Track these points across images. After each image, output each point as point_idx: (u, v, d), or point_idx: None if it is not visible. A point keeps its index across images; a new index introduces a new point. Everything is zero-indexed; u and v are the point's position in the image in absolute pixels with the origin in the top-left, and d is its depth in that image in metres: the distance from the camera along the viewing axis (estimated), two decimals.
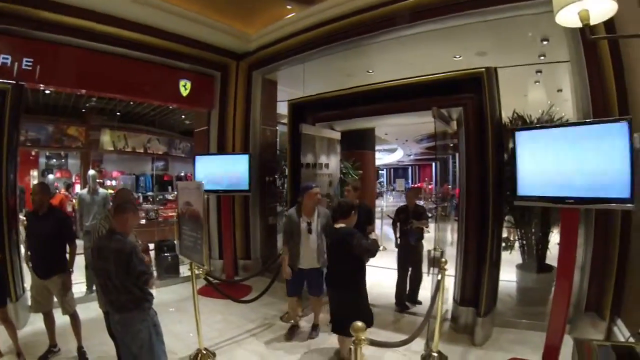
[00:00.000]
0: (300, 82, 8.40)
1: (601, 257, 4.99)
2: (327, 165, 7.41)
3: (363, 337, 2.70)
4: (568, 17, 2.66)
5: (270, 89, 9.27)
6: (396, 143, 28.02)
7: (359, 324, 2.68)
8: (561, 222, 4.41)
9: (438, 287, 4.60)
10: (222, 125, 8.89)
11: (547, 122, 5.93)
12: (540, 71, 8.85)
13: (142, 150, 18.34)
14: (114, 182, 18.26)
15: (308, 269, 5.37)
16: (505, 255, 6.51)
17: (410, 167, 47.85)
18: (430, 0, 5.97)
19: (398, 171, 48.68)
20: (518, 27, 6.35)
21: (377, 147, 31.41)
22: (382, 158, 37.26)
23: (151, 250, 8.22)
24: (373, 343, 2.98)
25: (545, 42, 7.18)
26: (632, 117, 3.80)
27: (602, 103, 4.77)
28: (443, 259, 4.76)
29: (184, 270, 8.41)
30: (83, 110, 15.65)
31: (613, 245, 4.78)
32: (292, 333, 5.65)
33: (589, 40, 2.60)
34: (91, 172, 8.29)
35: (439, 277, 4.68)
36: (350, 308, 4.38)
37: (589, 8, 2.49)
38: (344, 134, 11.44)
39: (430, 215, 12.85)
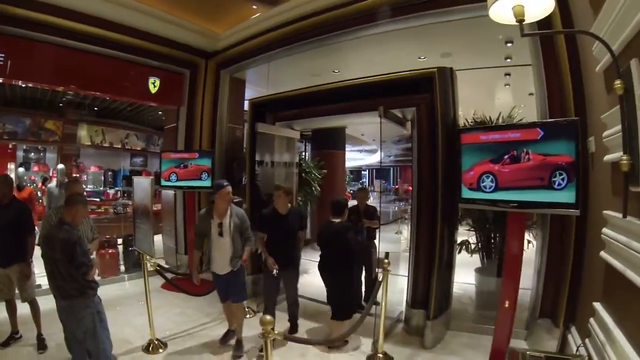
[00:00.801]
0: (266, 82, 8.47)
1: (556, 262, 4.92)
2: (287, 164, 7.52)
3: (272, 329, 2.73)
4: (502, 13, 2.61)
5: (238, 88, 9.30)
6: (374, 144, 27.95)
7: (268, 317, 2.75)
8: (507, 226, 4.42)
9: (379, 287, 4.68)
10: (190, 123, 8.93)
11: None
12: (509, 74, 8.85)
13: (119, 146, 18.29)
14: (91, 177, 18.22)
15: (223, 273, 4.94)
16: (468, 258, 6.69)
17: (392, 168, 47.79)
18: (394, 0, 6.00)
19: (380, 172, 48.58)
20: (483, 28, 6.09)
21: (356, 148, 31.43)
22: (364, 159, 37.32)
23: (119, 244, 8.44)
24: (286, 337, 3.07)
25: (509, 45, 7.19)
26: (579, 118, 3.87)
27: (559, 105, 4.76)
28: (386, 260, 4.78)
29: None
30: (60, 105, 15.54)
31: (568, 251, 4.70)
32: (226, 338, 5.34)
33: (522, 36, 2.56)
34: (60, 166, 8.36)
35: (380, 277, 4.74)
36: (343, 291, 5.18)
37: (524, 4, 2.45)
38: (314, 134, 11.60)
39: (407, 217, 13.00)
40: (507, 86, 9.80)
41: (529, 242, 5.80)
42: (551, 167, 3.78)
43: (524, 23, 2.55)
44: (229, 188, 4.90)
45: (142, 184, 5.45)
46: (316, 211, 11.08)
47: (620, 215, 2.70)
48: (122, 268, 8.31)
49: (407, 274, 5.86)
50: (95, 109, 16.24)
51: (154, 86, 8.45)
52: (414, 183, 5.83)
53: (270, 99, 7.23)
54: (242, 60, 8.40)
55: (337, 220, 5.18)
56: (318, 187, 9.23)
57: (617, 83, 2.48)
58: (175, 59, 8.55)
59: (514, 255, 4.22)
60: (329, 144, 11.95)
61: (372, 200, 30.26)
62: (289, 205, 5.62)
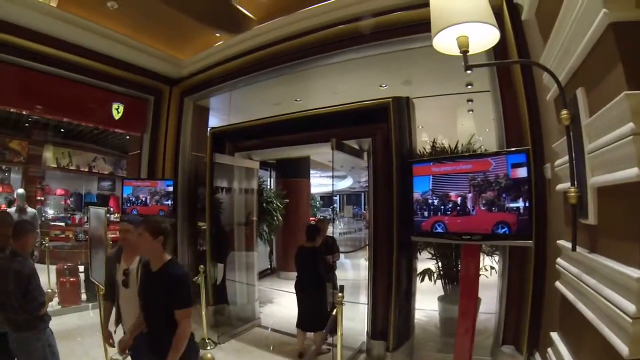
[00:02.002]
0: (229, 110, 8.45)
1: (517, 289, 4.90)
2: (247, 191, 7.49)
3: None
4: (447, 44, 2.57)
5: (202, 116, 9.23)
6: (342, 170, 27.99)
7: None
8: (461, 258, 4.42)
9: (334, 320, 4.62)
10: (153, 150, 8.77)
11: (467, 152, 5.95)
12: (471, 100, 8.93)
13: (86, 169, 17.96)
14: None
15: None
16: (432, 286, 6.69)
17: (363, 194, 47.88)
18: (355, 29, 6.04)
19: (351, 197, 48.73)
20: (443, 55, 6.39)
21: (327, 174, 31.29)
22: (335, 185, 37.17)
23: (80, 272, 8.14)
24: None
25: (469, 72, 7.19)
26: (530, 147, 3.95)
27: (516, 133, 4.80)
28: (340, 294, 4.68)
29: None
30: (26, 125, 15.20)
31: (527, 276, 4.67)
32: None
33: (465, 69, 2.52)
34: (20, 190, 8.13)
35: (334, 312, 4.69)
36: (320, 305, 5.67)
37: (469, 35, 2.40)
38: (278, 162, 11.56)
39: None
40: (471, 112, 9.87)
41: (491, 267, 5.99)
42: (493, 221, 3.88)
43: (468, 54, 2.51)
44: (127, 225, 3.76)
45: (97, 214, 5.34)
46: (281, 240, 11.05)
47: (567, 244, 2.72)
48: (84, 297, 8.03)
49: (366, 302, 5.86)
50: (62, 130, 15.92)
51: (118, 112, 8.32)
52: (369, 213, 5.89)
53: (230, 128, 7.22)
54: (206, 87, 8.34)
55: (309, 245, 5.83)
56: (280, 217, 9.17)
57: (564, 113, 2.47)
58: (139, 85, 8.45)
59: (469, 287, 4.22)
60: (293, 172, 11.89)
61: (341, 227, 30.12)
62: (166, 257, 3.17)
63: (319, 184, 17.72)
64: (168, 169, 8.70)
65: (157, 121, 8.82)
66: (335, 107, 6.00)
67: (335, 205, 46.23)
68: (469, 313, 4.18)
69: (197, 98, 8.82)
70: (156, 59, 8.29)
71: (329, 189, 39.15)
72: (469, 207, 4.16)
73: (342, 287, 4.98)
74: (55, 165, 16.66)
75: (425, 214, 4.51)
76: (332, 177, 6.75)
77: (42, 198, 16.10)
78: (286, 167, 11.84)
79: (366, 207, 42.77)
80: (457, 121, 10.56)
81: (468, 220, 4.14)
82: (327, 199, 44.77)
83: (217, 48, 7.89)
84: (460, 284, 4.35)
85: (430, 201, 4.49)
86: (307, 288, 5.83)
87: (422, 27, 5.37)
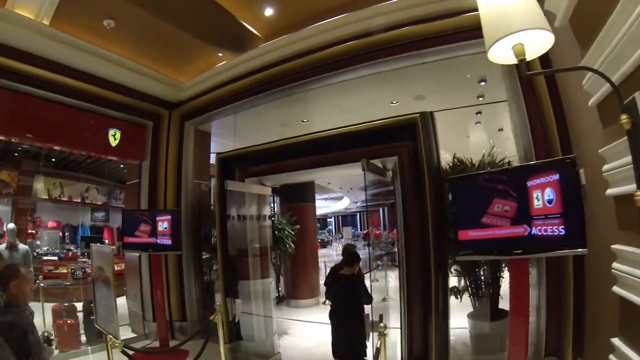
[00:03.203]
0: (234, 135, 8.04)
1: (556, 297, 4.70)
2: (260, 218, 7.04)
3: None
4: (501, 54, 2.47)
5: (204, 141, 8.79)
6: (340, 192, 27.76)
7: None
8: (510, 274, 4.16)
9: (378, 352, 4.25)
10: (153, 178, 8.26)
11: (489, 165, 5.74)
12: (480, 112, 8.68)
13: (79, 200, 17.35)
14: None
15: None
16: (455, 302, 6.27)
17: (358, 214, 47.79)
18: (365, 44, 5.80)
19: (346, 218, 48.55)
20: (455, 68, 6.22)
21: (322, 196, 31.33)
22: (330, 206, 37.16)
23: (79, 311, 7.56)
24: None
25: (483, 83, 7.02)
26: (575, 155, 3.73)
27: (543, 142, 4.64)
28: (381, 324, 4.36)
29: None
30: (16, 154, 14.67)
31: (567, 285, 4.50)
32: None
33: (524, 77, 2.39)
34: (10, 225, 7.63)
35: (379, 344, 4.29)
36: (358, 337, 5.20)
37: (524, 42, 2.30)
38: (283, 186, 11.15)
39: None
40: (478, 124, 9.60)
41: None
42: None
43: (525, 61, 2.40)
44: None
45: (102, 252, 4.82)
46: (289, 267, 10.46)
47: (634, 250, 2.63)
48: (83, 338, 7.42)
49: (399, 327, 5.57)
50: (53, 160, 15.39)
51: (115, 138, 7.82)
52: (400, 234, 5.58)
53: (239, 153, 6.79)
54: (208, 111, 7.93)
55: (349, 272, 5.33)
56: (292, 245, 8.70)
57: (624, 118, 2.34)
58: (137, 110, 7.99)
59: (520, 303, 3.92)
60: (299, 197, 11.41)
61: (339, 249, 29.71)
62: None
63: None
64: (170, 198, 8.21)
65: (156, 148, 8.34)
66: (357, 125, 5.69)
67: (330, 227, 46.23)
68: (521, 330, 3.89)
69: (198, 122, 8.40)
70: (155, 81, 7.84)
71: (323, 211, 39.15)
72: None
73: (381, 316, 5.00)
74: (47, 197, 16.06)
75: (472, 232, 4.15)
76: (366, 199, 6.34)
77: (34, 231, 15.43)
78: (291, 191, 11.35)
79: (364, 228, 42.86)
80: (465, 134, 10.26)
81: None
82: (322, 221, 44.72)
83: (219, 68, 7.49)
84: (511, 301, 4.00)
85: (475, 217, 4.12)
86: (347, 317, 5.32)
87: (435, 40, 5.39)
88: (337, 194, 29.29)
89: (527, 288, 4.04)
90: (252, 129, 8.38)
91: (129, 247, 7.60)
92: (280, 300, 11.12)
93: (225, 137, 8.77)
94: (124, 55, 7.15)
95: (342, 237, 37.32)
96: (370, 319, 4.99)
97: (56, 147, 8.62)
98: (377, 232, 32.55)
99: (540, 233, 3.59)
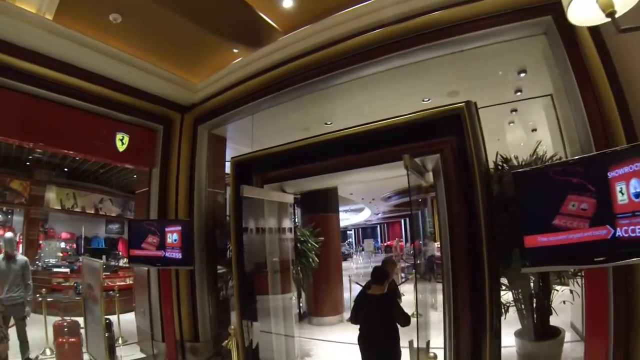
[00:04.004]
0: (251, 139, 7.40)
1: (624, 314, 3.90)
2: (284, 231, 6.34)
3: None
4: (583, 12, 2.27)
5: (218, 147, 8.14)
6: (362, 202, 27.13)
7: None
8: (586, 286, 3.86)
9: None
10: (164, 187, 7.62)
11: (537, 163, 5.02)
12: (515, 110, 8.02)
13: (92, 211, 16.95)
14: (62, 244, 16.51)
15: None
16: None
17: (378, 226, 47.31)
18: (395, 32, 5.23)
19: (366, 230, 48.19)
20: (492, 58, 5.73)
21: (342, 208, 30.79)
22: (349, 218, 36.89)
23: (82, 327, 6.93)
24: None
25: (522, 75, 6.37)
26: None
27: (602, 132, 4.09)
28: (431, 354, 3.69)
29: (122, 353, 7.33)
30: (27, 163, 14.31)
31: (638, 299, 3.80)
32: None
33: (619, 32, 2.18)
34: (8, 234, 7.14)
35: None
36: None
37: None
38: (304, 196, 10.45)
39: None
40: (512, 124, 8.90)
41: (571, 291, 5.35)
42: None
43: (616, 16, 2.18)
44: None
45: (91, 266, 4.18)
46: (312, 283, 9.61)
47: None
48: (86, 357, 6.76)
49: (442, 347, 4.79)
50: (66, 170, 15.04)
51: (122, 143, 7.22)
52: (444, 242, 4.88)
53: (257, 156, 6.09)
54: (222, 112, 7.29)
55: (378, 292, 4.68)
56: (316, 259, 7.94)
57: None
58: (146, 113, 7.38)
59: (598, 321, 3.44)
60: (322, 207, 10.61)
61: (361, 261, 29.16)
62: None
63: None
64: (182, 208, 7.55)
65: (167, 154, 7.71)
66: (389, 120, 4.97)
67: (350, 240, 45.80)
68: (600, 354, 3.38)
69: (212, 126, 7.78)
70: (165, 82, 7.23)
71: (343, 223, 38.52)
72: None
73: (428, 343, 4.48)
74: (59, 207, 15.74)
75: (541, 237, 3.48)
76: (410, 200, 5.12)
77: (69, 244, 15.09)
78: (313, 201, 10.58)
79: (385, 240, 42.18)
80: (498, 136, 9.52)
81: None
82: (342, 233, 44.11)
83: (234, 66, 6.89)
84: (587, 319, 3.64)
85: (546, 218, 3.47)
86: (378, 345, 4.60)
87: (473, 25, 4.86)
88: (358, 205, 28.89)
89: (608, 303, 3.47)
90: (271, 134, 7.69)
91: (135, 260, 6.92)
92: (301, 317, 10.43)
93: (242, 142, 8.11)
94: (132, 54, 6.59)
95: (362, 250, 36.73)
96: (415, 344, 4.20)
97: (57, 151, 8.06)
98: (400, 245, 31.93)
99: (626, 235, 2.99)
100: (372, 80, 6.03)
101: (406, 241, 33.34)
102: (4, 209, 15.88)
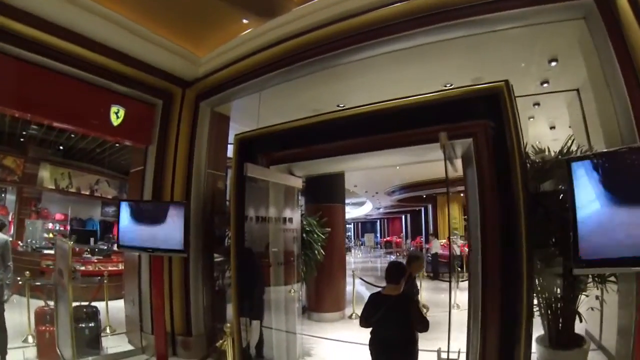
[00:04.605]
0: (256, 119, 6.83)
1: None
2: (290, 220, 5.75)
3: None
4: None
5: (221, 126, 7.55)
6: (365, 196, 26.67)
7: None
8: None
9: None
10: (160, 166, 7.02)
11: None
12: (538, 104, 7.52)
13: (88, 192, 16.37)
14: (50, 225, 15.85)
15: None
16: None
17: (378, 221, 47.00)
18: (420, 5, 4.74)
19: (366, 225, 47.84)
20: (522, 43, 5.30)
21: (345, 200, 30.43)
22: (350, 212, 36.63)
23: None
24: None
25: (553, 64, 5.85)
26: None
27: None
28: None
29: (108, 344, 6.94)
30: (22, 139, 13.74)
31: None
32: None
33: None
34: None
35: None
36: None
37: None
38: (308, 185, 9.87)
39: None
40: (531, 119, 8.40)
41: (596, 297, 4.74)
42: None
43: None
44: None
45: (62, 250, 3.66)
46: (313, 280, 8.96)
47: None
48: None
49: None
50: (61, 148, 14.45)
51: (117, 117, 6.63)
52: (473, 238, 4.39)
53: (264, 133, 5.49)
54: (227, 88, 6.70)
55: (393, 292, 4.06)
56: (322, 251, 7.32)
57: None
58: (145, 85, 6.79)
59: None
60: (327, 196, 10.04)
61: (360, 255, 28.95)
62: None
63: None
64: (178, 190, 6.95)
65: (165, 131, 7.13)
66: (414, 98, 4.40)
67: (349, 233, 45.56)
68: None
69: (215, 102, 7.19)
70: (167, 52, 6.67)
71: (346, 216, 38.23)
72: None
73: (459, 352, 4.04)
74: (53, 187, 15.21)
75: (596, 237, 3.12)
76: (447, 185, 4.56)
77: (53, 225, 14.51)
78: (318, 190, 10.02)
79: (384, 235, 41.80)
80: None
81: None
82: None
83: (243, 37, 6.34)
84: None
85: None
86: (396, 349, 4.04)
87: (504, 3, 4.44)
88: (360, 198, 28.45)
89: None
90: (278, 115, 7.08)
91: (124, 245, 6.35)
92: (301, 312, 9.87)
93: (246, 123, 7.48)
94: (132, 19, 6.04)
95: (362, 244, 36.38)
96: (447, 355, 3.64)
97: (46, 121, 7.46)
98: (397, 240, 31.60)
99: None
100: (390, 61, 5.55)
101: (406, 238, 33.03)
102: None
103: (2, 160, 13.71)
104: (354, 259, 27.45)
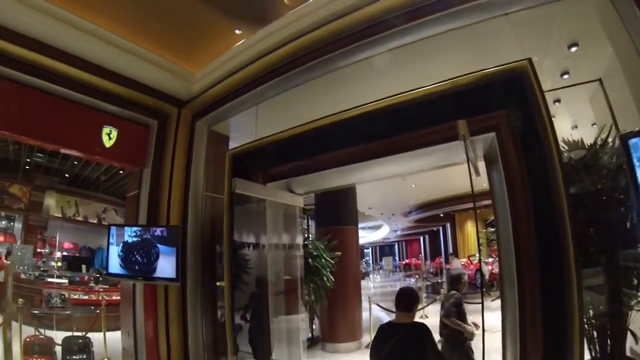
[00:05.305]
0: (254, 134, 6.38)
1: None
2: (291, 243, 5.22)
3: None
4: None
5: (219, 146, 7.06)
6: (381, 218, 26.07)
7: None
8: None
9: None
10: (155, 189, 6.53)
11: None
12: (558, 100, 6.64)
13: (95, 221, 16.05)
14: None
15: None
16: None
17: (396, 244, 46.32)
18: None
19: (384, 248, 47.28)
20: (539, 26, 4.61)
21: (360, 224, 30.14)
22: (367, 236, 36.41)
23: (58, 345, 6.55)
24: None
25: (574, 49, 5.18)
26: None
27: None
28: None
29: None
30: (27, 167, 13.59)
31: None
32: None
33: None
34: None
35: None
36: None
37: None
38: (319, 206, 9.35)
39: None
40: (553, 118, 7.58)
41: None
42: None
43: None
44: None
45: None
46: (326, 304, 8.39)
47: None
48: None
49: None
50: (67, 175, 14.26)
51: (110, 138, 6.22)
52: (503, 252, 3.82)
53: (258, 146, 5.04)
54: (223, 104, 6.25)
55: (406, 320, 3.57)
56: (331, 277, 6.71)
57: None
58: (139, 105, 6.38)
59: None
60: (338, 218, 9.48)
61: (379, 280, 28.43)
62: None
63: None
64: (175, 214, 6.42)
65: (161, 152, 6.65)
66: (421, 90, 3.94)
67: (367, 258, 45.08)
68: None
69: (212, 121, 6.75)
70: (161, 70, 6.24)
71: (360, 240, 37.73)
72: None
73: None
74: (60, 215, 14.94)
75: None
76: (470, 174, 3.43)
77: (44, 250, 14.15)
78: (329, 212, 9.54)
79: (403, 258, 41.02)
80: None
81: None
82: (359, 251, 43.27)
83: (237, 49, 5.85)
84: None
85: None
86: None
87: None
88: (376, 222, 27.97)
89: None
90: (277, 130, 6.69)
91: (113, 274, 5.91)
92: (313, 343, 9.29)
93: (246, 141, 7.02)
94: (123, 36, 5.68)
95: (381, 268, 35.73)
96: None
97: (35, 143, 7.12)
98: (417, 262, 31.04)
99: None
100: (391, 62, 5.03)
101: (425, 259, 32.31)
102: (2, 214, 15.25)
103: (8, 188, 13.63)
104: (373, 283, 26.93)
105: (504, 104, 3.58)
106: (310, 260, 6.30)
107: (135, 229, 5.92)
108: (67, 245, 16.49)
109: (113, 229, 6.04)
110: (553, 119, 6.85)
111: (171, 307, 6.19)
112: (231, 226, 4.49)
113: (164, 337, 6.09)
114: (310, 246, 6.56)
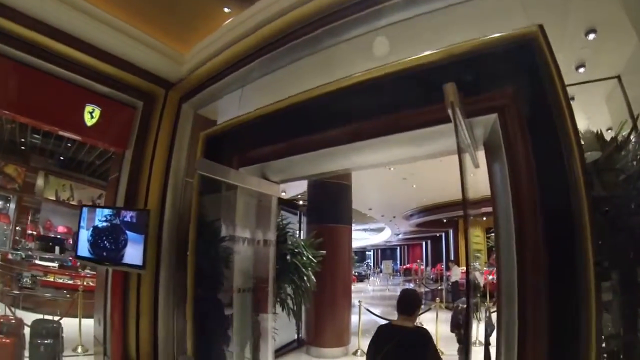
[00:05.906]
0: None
1: None
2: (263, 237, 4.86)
3: None
4: None
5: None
6: (382, 220, 25.67)
7: None
8: None
9: None
10: (135, 173, 6.21)
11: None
12: (572, 98, 6.22)
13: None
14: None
15: None
16: None
17: (398, 247, 45.90)
18: None
19: (386, 251, 47.00)
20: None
21: (362, 226, 29.59)
22: (369, 238, 36.55)
23: (28, 326, 6.22)
24: None
25: (591, 36, 4.52)
26: None
27: None
28: None
29: None
30: (22, 147, 13.45)
31: None
32: None
33: None
34: None
35: None
36: None
37: None
38: (310, 204, 8.99)
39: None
40: None
41: None
42: None
43: None
44: None
45: None
46: (312, 304, 7.69)
47: None
48: None
49: None
50: (61, 158, 14.04)
51: (92, 117, 5.91)
52: (503, 251, 3.26)
53: (235, 124, 4.63)
54: (209, 85, 5.90)
55: (407, 323, 3.41)
56: (312, 277, 6.20)
57: None
58: (126, 85, 6.09)
59: None
60: (331, 216, 9.05)
61: (378, 283, 28.18)
62: None
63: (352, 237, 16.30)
64: (153, 199, 6.09)
65: (144, 134, 6.32)
66: (416, 57, 3.44)
67: (368, 261, 44.82)
68: None
69: (198, 103, 6.41)
70: (150, 49, 5.97)
71: (361, 243, 37.44)
72: None
73: None
74: (54, 198, 14.74)
75: None
76: (458, 146, 2.79)
77: (34, 233, 13.91)
78: (320, 209, 9.17)
79: (404, 262, 40.60)
80: None
81: None
82: (360, 254, 42.90)
83: (225, 28, 5.53)
84: None
85: None
86: None
87: None
88: (378, 224, 27.59)
89: None
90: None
91: (81, 257, 5.61)
92: (298, 345, 8.97)
93: None
94: (113, 14, 5.48)
95: (381, 272, 35.50)
96: None
97: (13, 117, 6.82)
98: (417, 267, 30.86)
99: None
100: (400, 32, 4.32)
101: (426, 265, 31.97)
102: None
103: (3, 168, 13.52)
104: (372, 286, 26.84)
105: (509, 80, 3.05)
106: (288, 256, 5.83)
107: (106, 213, 5.54)
108: (61, 229, 16.26)
109: (85, 211, 5.75)
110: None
111: (143, 295, 5.88)
112: (198, 212, 4.10)
113: (134, 327, 5.80)
114: (289, 242, 6.09)
